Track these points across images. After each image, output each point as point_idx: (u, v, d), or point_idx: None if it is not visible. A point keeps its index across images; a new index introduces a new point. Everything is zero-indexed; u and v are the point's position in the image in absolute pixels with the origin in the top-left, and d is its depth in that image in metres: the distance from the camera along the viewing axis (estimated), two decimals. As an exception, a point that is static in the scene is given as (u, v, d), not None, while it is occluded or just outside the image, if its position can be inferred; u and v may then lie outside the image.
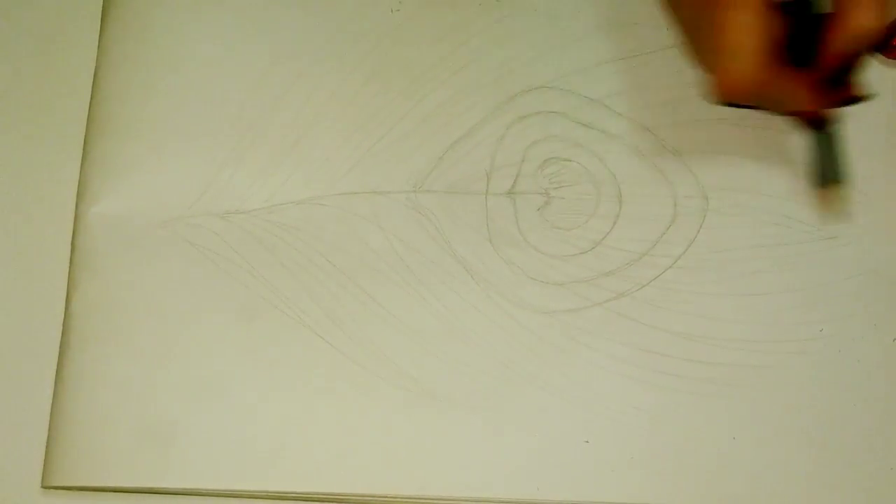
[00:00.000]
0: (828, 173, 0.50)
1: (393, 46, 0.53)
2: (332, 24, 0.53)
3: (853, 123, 0.52)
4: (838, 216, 0.51)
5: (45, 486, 0.48)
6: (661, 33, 0.53)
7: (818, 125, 0.50)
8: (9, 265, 0.51)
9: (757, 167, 0.51)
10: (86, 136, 0.52)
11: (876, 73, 0.52)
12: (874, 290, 0.50)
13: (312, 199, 0.51)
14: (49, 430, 0.48)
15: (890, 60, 0.51)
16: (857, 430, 0.48)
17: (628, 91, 0.52)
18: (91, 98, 0.52)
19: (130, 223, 0.50)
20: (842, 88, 0.49)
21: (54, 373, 0.49)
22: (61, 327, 0.49)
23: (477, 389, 0.49)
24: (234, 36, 0.52)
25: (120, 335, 0.49)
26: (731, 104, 0.51)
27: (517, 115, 0.52)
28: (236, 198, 0.51)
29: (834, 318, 0.50)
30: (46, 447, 0.48)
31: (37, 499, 0.48)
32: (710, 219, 0.51)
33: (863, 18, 0.46)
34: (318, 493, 0.48)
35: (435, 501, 0.48)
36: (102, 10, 0.53)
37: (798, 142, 0.51)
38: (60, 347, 0.49)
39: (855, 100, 0.50)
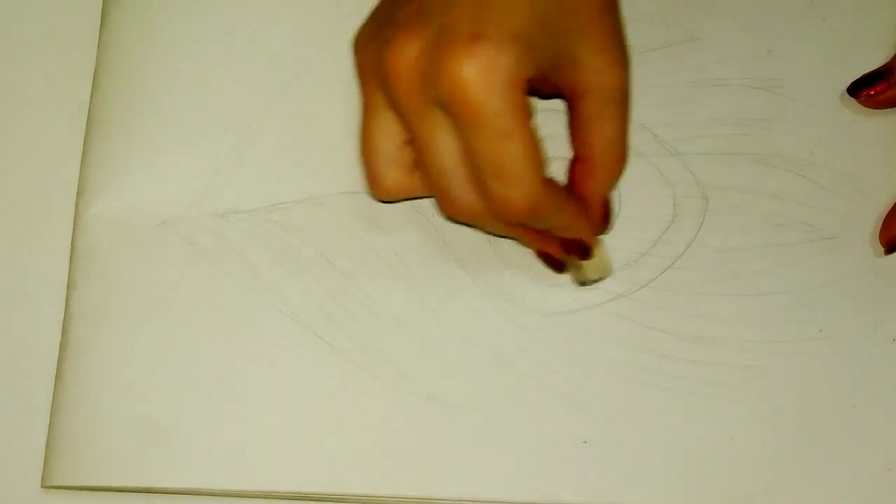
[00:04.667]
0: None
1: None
2: (332, 21, 0.53)
3: (854, 121, 0.52)
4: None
5: (45, 486, 0.48)
6: (662, 31, 0.53)
7: (558, 266, 0.49)
8: (9, 265, 0.51)
9: (757, 167, 0.51)
10: (85, 136, 0.52)
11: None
12: (874, 291, 0.50)
13: (312, 199, 0.51)
14: (49, 430, 0.48)
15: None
16: (856, 430, 0.48)
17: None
18: (91, 98, 0.52)
19: (130, 223, 0.50)
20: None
21: (54, 373, 0.49)
22: (61, 327, 0.49)
23: (475, 390, 0.49)
24: (234, 35, 0.52)
25: (120, 335, 0.49)
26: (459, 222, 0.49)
27: (516, 114, 0.52)
28: (236, 197, 0.51)
29: (833, 319, 0.49)
30: (46, 447, 0.48)
31: (37, 499, 0.48)
32: (710, 219, 0.51)
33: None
34: (318, 493, 0.48)
35: (434, 502, 0.48)
36: (102, 10, 0.53)
37: (797, 143, 0.52)
38: (60, 347, 0.49)
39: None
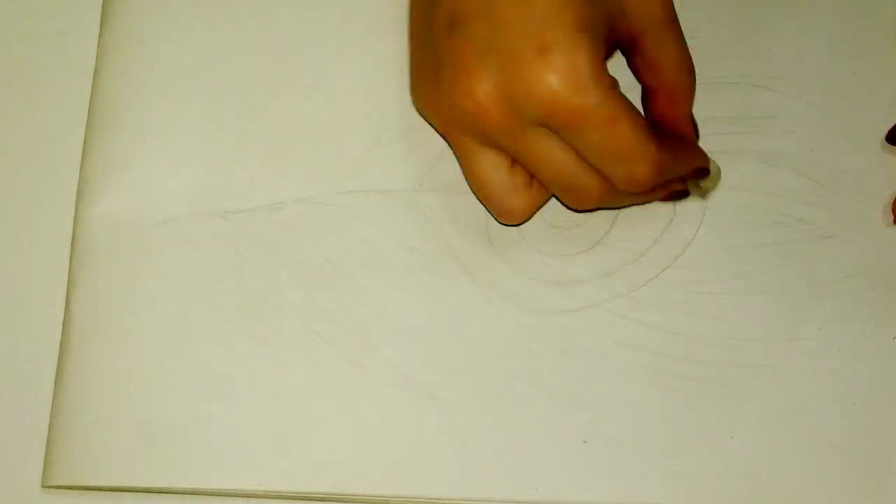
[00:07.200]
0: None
1: (394, 42, 0.52)
2: (331, 20, 0.53)
3: (854, 119, 0.51)
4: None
5: (45, 486, 0.48)
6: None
7: (684, 195, 0.50)
8: (9, 265, 0.51)
9: (757, 166, 0.51)
10: (85, 135, 0.52)
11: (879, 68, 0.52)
12: (874, 289, 0.50)
13: (312, 198, 0.51)
14: (49, 429, 0.48)
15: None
16: (856, 429, 0.48)
17: (627, 88, 0.51)
18: (91, 98, 0.52)
19: (130, 222, 0.50)
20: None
21: (54, 373, 0.49)
22: (61, 327, 0.49)
23: (475, 390, 0.48)
24: (233, 34, 0.52)
25: (120, 335, 0.49)
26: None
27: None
28: (236, 196, 0.51)
29: (833, 317, 0.49)
30: (46, 447, 0.48)
31: (37, 498, 0.48)
32: (710, 218, 0.50)
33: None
34: (318, 493, 0.48)
35: (434, 501, 0.48)
36: (102, 10, 0.53)
37: (798, 141, 0.51)
38: (60, 347, 0.49)
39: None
